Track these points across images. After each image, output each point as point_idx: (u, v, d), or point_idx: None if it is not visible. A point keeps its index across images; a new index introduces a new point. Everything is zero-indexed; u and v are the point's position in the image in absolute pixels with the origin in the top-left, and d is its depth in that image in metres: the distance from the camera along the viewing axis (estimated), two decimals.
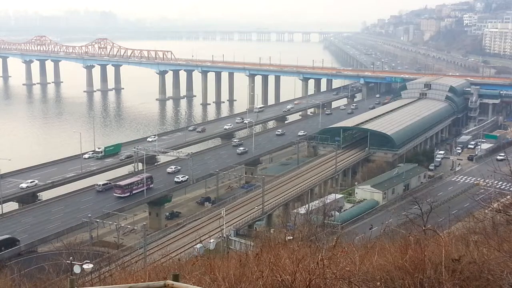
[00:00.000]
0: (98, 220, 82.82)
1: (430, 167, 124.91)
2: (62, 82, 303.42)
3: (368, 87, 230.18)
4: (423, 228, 30.59)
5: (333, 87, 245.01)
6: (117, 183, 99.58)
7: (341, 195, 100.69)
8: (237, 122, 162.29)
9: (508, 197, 48.48)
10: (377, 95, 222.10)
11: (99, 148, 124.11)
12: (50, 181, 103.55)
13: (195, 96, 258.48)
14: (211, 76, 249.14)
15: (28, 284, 39.34)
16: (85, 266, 47.65)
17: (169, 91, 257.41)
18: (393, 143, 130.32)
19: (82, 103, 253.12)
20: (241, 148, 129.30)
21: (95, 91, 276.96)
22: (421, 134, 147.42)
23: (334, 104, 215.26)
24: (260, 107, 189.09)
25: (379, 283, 12.92)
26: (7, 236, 77.85)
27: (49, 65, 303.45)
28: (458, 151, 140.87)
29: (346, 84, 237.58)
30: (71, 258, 48.93)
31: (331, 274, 12.85)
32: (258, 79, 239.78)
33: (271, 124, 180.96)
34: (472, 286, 12.61)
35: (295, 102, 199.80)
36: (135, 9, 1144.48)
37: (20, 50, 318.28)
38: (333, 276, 12.73)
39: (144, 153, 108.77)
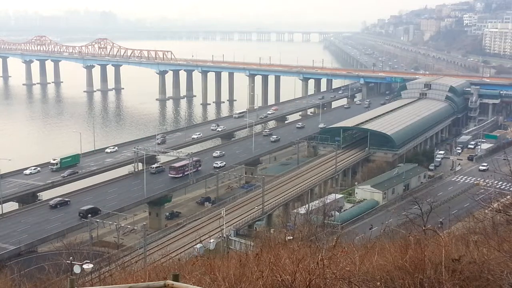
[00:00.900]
0: (98, 220, 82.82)
1: (430, 167, 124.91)
2: (62, 82, 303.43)
3: (368, 87, 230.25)
4: (423, 228, 30.57)
5: (333, 87, 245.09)
6: (172, 165, 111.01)
7: (341, 195, 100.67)
8: (212, 129, 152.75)
9: (508, 197, 48.48)
10: (387, 92, 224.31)
11: (54, 160, 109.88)
12: (50, 181, 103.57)
13: (195, 96, 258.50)
14: (211, 76, 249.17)
15: (28, 284, 39.39)
16: (85, 266, 47.64)
17: (169, 91, 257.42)
18: (393, 143, 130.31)
19: (82, 103, 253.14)
20: (274, 137, 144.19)
21: (95, 91, 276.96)
22: (421, 134, 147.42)
23: (334, 104, 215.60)
24: (240, 113, 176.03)
25: (379, 283, 12.93)
26: (92, 206, 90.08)
27: (49, 65, 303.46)
28: (458, 151, 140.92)
29: (346, 84, 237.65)
30: (71, 258, 48.91)
31: (331, 274, 12.85)
32: (258, 79, 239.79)
33: (293, 117, 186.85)
34: (472, 286, 12.61)
35: (272, 109, 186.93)
36: (135, 9, 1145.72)
37: (20, 50, 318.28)
38: (333, 276, 12.73)
39: (144, 153, 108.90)
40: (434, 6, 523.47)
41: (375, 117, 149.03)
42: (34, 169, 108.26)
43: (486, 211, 29.65)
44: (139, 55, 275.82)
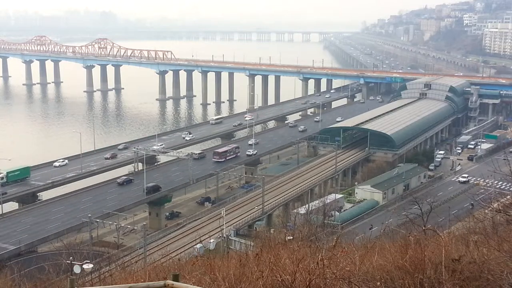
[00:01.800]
0: (98, 220, 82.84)
1: (430, 167, 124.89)
2: (62, 82, 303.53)
3: (368, 87, 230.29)
4: (423, 228, 30.58)
5: (333, 87, 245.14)
6: (216, 151, 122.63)
7: (341, 195, 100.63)
8: (183, 137, 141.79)
9: (508, 197, 48.50)
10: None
11: (0, 173, 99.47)
12: (50, 181, 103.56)
13: (195, 96, 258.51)
14: (211, 76, 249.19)
15: (28, 284, 39.35)
16: (85, 266, 47.64)
17: (169, 91, 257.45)
18: (393, 143, 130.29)
19: (82, 103, 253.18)
20: (302, 127, 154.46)
21: (95, 91, 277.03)
22: (421, 134, 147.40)
23: (334, 104, 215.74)
24: (217, 118, 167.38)
25: (379, 283, 12.93)
26: (154, 183, 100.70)
27: (49, 65, 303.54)
28: (458, 151, 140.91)
29: (346, 84, 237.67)
30: (71, 258, 48.89)
31: (331, 274, 12.85)
32: (258, 79, 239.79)
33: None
34: (472, 286, 12.61)
35: (245, 116, 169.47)
36: (135, 9, 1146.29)
37: (20, 50, 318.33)
38: (333, 276, 12.73)
39: (144, 153, 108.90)
40: (434, 6, 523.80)
41: (375, 117, 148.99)
42: None
43: (486, 211, 29.66)
44: (139, 55, 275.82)
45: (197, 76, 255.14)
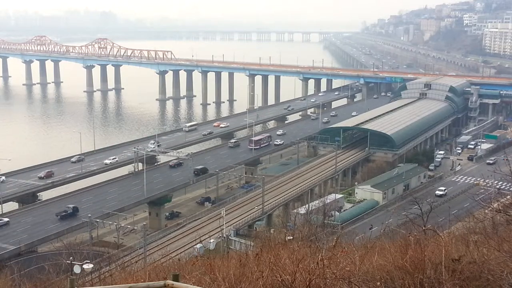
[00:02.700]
0: (98, 220, 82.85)
1: (430, 167, 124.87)
2: (62, 82, 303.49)
3: (368, 87, 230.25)
4: (423, 228, 30.57)
5: (333, 87, 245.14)
6: (251, 139, 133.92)
7: (341, 195, 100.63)
8: (151, 145, 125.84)
9: (508, 197, 48.46)
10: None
11: None
12: (50, 181, 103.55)
13: (195, 96, 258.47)
14: (211, 76, 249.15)
15: (28, 284, 39.35)
16: (85, 266, 47.63)
17: (169, 91, 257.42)
18: (393, 143, 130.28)
19: (82, 103, 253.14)
20: (325, 119, 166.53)
21: (95, 91, 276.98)
22: (421, 134, 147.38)
23: (334, 104, 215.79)
24: (191, 125, 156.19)
25: (379, 283, 12.93)
26: (202, 166, 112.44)
27: (49, 65, 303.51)
28: (458, 151, 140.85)
29: (346, 84, 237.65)
30: (71, 258, 48.90)
31: (331, 274, 12.85)
32: (258, 79, 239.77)
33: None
34: (472, 286, 12.61)
35: (214, 125, 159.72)
36: (135, 9, 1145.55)
37: (20, 50, 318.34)
38: (333, 276, 12.73)
39: (144, 153, 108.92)
40: (434, 6, 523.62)
41: (375, 117, 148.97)
42: None
43: (486, 211, 29.64)
44: (139, 55, 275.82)
45: (197, 76, 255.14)
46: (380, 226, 63.30)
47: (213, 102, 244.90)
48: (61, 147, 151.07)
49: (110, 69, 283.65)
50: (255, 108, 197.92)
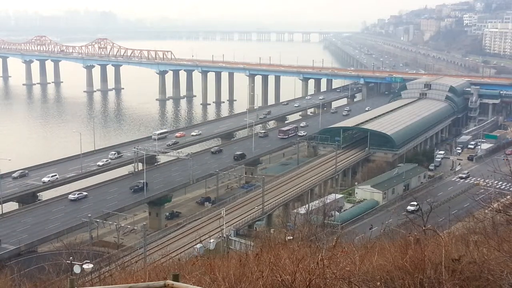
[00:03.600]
0: (98, 220, 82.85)
1: (430, 167, 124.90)
2: (62, 82, 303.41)
3: (368, 87, 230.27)
4: (423, 228, 30.55)
5: (333, 87, 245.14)
6: (281, 129, 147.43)
7: (341, 195, 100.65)
8: (110, 157, 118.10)
9: (508, 197, 48.48)
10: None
11: None
12: (47, 179, 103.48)
13: (195, 96, 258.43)
14: (211, 76, 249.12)
15: (28, 284, 39.34)
16: (85, 266, 47.62)
17: (169, 91, 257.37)
18: (393, 143, 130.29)
19: (82, 103, 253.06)
20: (346, 109, 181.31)
21: (95, 91, 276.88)
22: (421, 134, 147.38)
23: (334, 104, 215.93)
24: (161, 133, 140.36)
25: (379, 283, 12.93)
26: (241, 152, 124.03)
27: (49, 65, 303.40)
28: (458, 151, 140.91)
29: (346, 84, 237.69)
30: (71, 258, 48.87)
31: (331, 274, 12.85)
32: (258, 79, 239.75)
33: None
34: (472, 286, 12.61)
35: (176, 135, 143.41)
36: (135, 9, 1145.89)
37: (20, 50, 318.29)
38: (333, 276, 12.73)
39: (144, 153, 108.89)
40: (434, 6, 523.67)
41: (375, 117, 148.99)
42: None
43: (486, 211, 29.64)
44: (139, 55, 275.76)
45: (197, 76, 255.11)
46: (380, 226, 63.24)
47: (213, 102, 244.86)
48: (61, 147, 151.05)
49: (110, 69, 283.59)
50: (255, 108, 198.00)
